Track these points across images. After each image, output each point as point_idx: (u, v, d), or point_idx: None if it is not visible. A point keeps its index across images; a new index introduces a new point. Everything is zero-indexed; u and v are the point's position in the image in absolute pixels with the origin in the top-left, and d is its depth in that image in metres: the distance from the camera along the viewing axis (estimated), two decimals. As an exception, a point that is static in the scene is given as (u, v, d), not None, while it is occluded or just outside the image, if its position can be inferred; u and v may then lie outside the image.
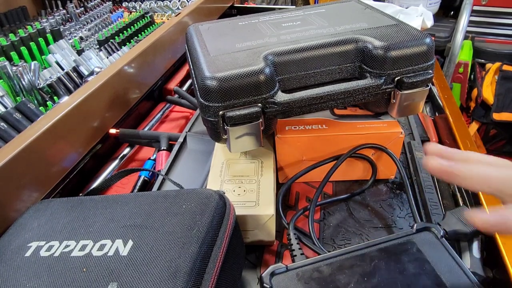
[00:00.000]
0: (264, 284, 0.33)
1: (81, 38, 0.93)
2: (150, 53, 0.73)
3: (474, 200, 0.48)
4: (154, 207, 0.37)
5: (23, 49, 0.78)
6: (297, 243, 0.40)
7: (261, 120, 0.42)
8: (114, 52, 0.85)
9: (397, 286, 0.33)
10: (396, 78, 0.44)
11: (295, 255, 0.39)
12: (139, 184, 0.56)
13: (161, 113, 0.76)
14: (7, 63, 0.68)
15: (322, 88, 0.44)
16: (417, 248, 0.35)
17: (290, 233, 0.42)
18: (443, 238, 0.36)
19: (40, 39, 0.82)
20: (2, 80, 0.67)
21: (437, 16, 1.62)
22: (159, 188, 0.51)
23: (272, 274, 0.34)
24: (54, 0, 1.14)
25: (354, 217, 0.49)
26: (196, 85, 0.43)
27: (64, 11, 1.08)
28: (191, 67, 0.49)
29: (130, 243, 0.33)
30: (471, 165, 0.28)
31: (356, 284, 0.33)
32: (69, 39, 0.91)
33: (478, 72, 1.61)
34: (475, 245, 0.41)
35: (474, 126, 1.55)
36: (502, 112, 1.45)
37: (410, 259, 0.35)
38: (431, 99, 0.75)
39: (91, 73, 0.74)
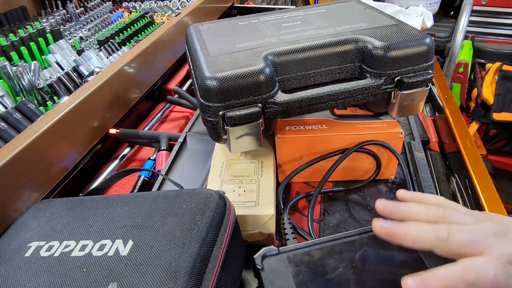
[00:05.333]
0: (256, 265, 0.34)
1: (81, 38, 0.93)
2: (150, 53, 0.73)
3: (474, 199, 0.48)
4: (154, 207, 0.37)
5: (23, 49, 0.78)
6: (290, 228, 0.41)
7: (261, 120, 0.42)
8: (114, 52, 0.85)
9: (384, 273, 0.33)
10: (396, 78, 0.44)
11: (288, 239, 0.40)
12: (139, 184, 0.56)
13: (161, 113, 0.76)
14: (7, 63, 0.68)
15: (322, 88, 0.44)
16: None
17: (284, 217, 0.42)
18: None
19: (40, 39, 0.82)
20: (2, 80, 0.67)
21: (437, 16, 1.62)
22: (159, 188, 0.51)
23: (264, 256, 0.35)
24: (54, 0, 1.14)
25: (354, 217, 0.49)
26: (196, 85, 0.43)
27: (64, 11, 1.08)
28: (191, 67, 0.49)
29: (130, 243, 0.33)
30: (408, 227, 0.31)
31: (344, 268, 0.34)
32: (69, 39, 0.91)
33: (478, 72, 1.60)
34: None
35: (474, 126, 1.55)
36: (502, 112, 1.45)
37: (399, 247, 0.35)
38: (431, 99, 0.75)
39: (91, 73, 0.74)
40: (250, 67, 0.40)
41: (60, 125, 0.50)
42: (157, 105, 0.79)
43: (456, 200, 0.51)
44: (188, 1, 1.16)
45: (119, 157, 0.64)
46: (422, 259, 0.34)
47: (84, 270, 0.31)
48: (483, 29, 1.75)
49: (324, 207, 0.50)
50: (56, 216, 0.39)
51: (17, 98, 0.68)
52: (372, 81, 0.44)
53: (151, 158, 0.62)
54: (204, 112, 0.42)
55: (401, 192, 0.35)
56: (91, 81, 0.59)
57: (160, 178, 0.52)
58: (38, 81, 0.72)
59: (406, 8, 0.86)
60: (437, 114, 0.71)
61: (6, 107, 0.62)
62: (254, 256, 0.35)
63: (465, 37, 1.58)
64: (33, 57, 0.80)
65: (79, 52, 0.84)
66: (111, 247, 0.33)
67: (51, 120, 0.49)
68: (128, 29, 0.94)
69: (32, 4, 1.14)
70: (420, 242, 0.30)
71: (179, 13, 0.89)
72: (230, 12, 1.20)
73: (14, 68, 0.70)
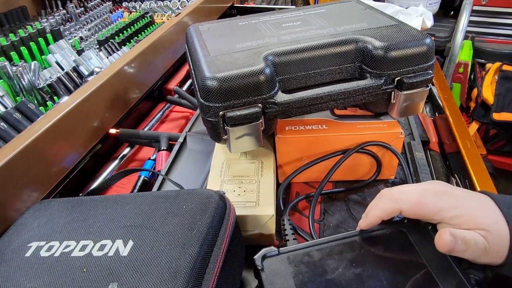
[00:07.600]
0: (256, 266, 0.34)
1: (81, 38, 0.93)
2: (150, 53, 0.73)
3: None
4: (154, 207, 0.37)
5: (23, 49, 0.78)
6: (290, 228, 0.41)
7: (261, 120, 0.42)
8: (114, 52, 0.85)
9: (384, 274, 0.33)
10: (396, 79, 0.44)
11: (288, 240, 0.40)
12: (139, 184, 0.56)
13: (161, 113, 0.76)
14: (7, 63, 0.68)
15: (322, 88, 0.44)
16: (406, 238, 0.36)
17: (284, 217, 0.43)
18: (432, 229, 0.36)
19: (40, 39, 0.82)
20: (2, 80, 0.67)
21: (437, 16, 1.62)
22: (159, 188, 0.51)
23: (264, 256, 0.35)
24: (54, 0, 1.14)
25: (354, 217, 0.49)
26: (197, 86, 0.43)
27: (64, 11, 1.08)
28: (191, 67, 0.49)
29: (131, 243, 0.33)
30: None
31: (344, 269, 0.34)
32: (69, 39, 0.91)
33: (478, 72, 1.60)
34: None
35: (474, 126, 1.55)
36: (502, 112, 1.45)
37: (399, 248, 0.35)
38: (431, 99, 0.75)
39: (91, 73, 0.74)
40: (250, 67, 0.40)
41: (60, 125, 0.50)
42: (157, 105, 0.79)
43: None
44: (188, 1, 1.16)
45: (119, 157, 0.64)
46: (422, 260, 0.34)
47: (84, 270, 0.31)
48: (483, 29, 1.75)
49: (324, 207, 0.50)
50: (56, 216, 0.39)
51: (17, 98, 0.68)
52: (372, 82, 0.44)
53: (151, 158, 0.62)
54: (204, 112, 0.42)
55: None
56: (91, 81, 0.59)
57: (160, 178, 0.52)
58: (38, 81, 0.72)
59: (406, 8, 0.86)
60: (437, 114, 0.71)
61: (6, 107, 0.62)
62: (254, 257, 0.35)
63: (465, 37, 1.58)
64: (33, 57, 0.80)
65: (79, 52, 0.84)
66: (111, 247, 0.33)
67: (51, 120, 0.49)
68: (128, 29, 0.94)
69: (32, 4, 1.14)
70: None
71: (179, 13, 0.89)
72: (230, 12, 1.20)
73: (14, 68, 0.70)
